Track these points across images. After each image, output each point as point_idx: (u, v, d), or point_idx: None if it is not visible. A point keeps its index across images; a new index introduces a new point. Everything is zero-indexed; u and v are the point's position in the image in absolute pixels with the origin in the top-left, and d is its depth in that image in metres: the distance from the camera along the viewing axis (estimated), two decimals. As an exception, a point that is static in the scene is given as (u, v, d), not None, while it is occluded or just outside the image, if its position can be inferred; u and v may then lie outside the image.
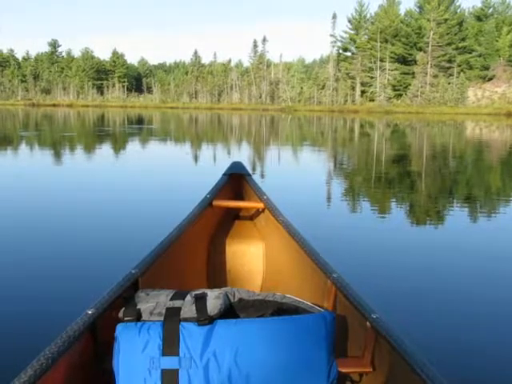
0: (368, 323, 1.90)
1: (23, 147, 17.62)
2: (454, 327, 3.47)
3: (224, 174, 3.30)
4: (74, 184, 9.32)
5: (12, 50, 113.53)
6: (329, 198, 8.49)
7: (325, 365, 1.70)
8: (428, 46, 75.95)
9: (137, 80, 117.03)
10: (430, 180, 11.00)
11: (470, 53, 77.82)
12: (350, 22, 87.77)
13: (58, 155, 14.71)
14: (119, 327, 1.71)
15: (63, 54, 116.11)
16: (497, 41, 76.45)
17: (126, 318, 1.73)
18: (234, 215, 3.35)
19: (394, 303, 3.78)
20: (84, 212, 6.84)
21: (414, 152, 18.39)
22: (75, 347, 1.66)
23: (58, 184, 9.43)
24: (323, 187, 9.63)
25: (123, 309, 1.77)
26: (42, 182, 9.60)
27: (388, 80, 78.27)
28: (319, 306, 1.94)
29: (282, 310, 1.89)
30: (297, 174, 11.63)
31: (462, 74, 74.69)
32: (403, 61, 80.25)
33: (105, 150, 17.50)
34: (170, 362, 1.64)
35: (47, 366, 1.48)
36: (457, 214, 7.40)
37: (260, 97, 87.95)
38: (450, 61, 76.33)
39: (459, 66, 75.58)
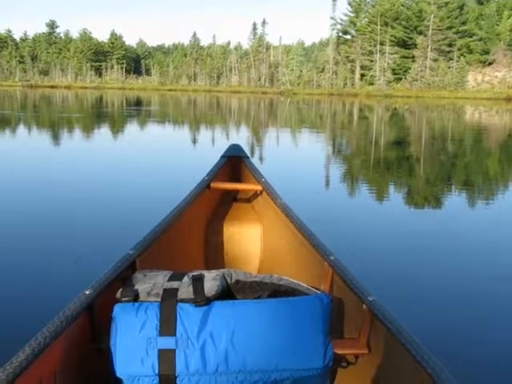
0: (364, 305, 1.91)
1: (22, 129, 17.56)
2: (450, 310, 3.49)
3: (222, 157, 3.30)
4: (72, 165, 9.32)
5: (10, 31, 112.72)
6: (327, 181, 8.50)
7: (321, 346, 1.71)
8: (428, 30, 75.52)
9: (135, 62, 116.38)
10: (428, 164, 11.00)
11: (470, 37, 77.40)
12: (350, 4, 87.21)
13: (57, 137, 14.67)
14: (117, 307, 1.72)
15: (61, 34, 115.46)
16: (497, 25, 76.06)
17: (123, 299, 1.74)
18: (232, 197, 3.35)
19: (391, 286, 3.80)
20: (82, 193, 6.84)
21: (413, 136, 18.38)
22: (73, 327, 1.67)
23: (56, 165, 9.43)
24: (321, 170, 9.63)
25: (121, 289, 1.78)
26: (42, 163, 9.58)
27: (388, 64, 77.92)
28: (316, 288, 1.94)
29: (278, 291, 1.89)
30: (295, 157, 11.61)
31: (462, 58, 74.37)
32: (403, 44, 79.85)
33: (104, 131, 17.46)
34: (167, 342, 1.65)
35: (45, 345, 1.49)
36: (454, 198, 7.42)
37: (259, 80, 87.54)
38: (450, 45, 75.96)
39: (459, 50, 75.21)
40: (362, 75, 79.97)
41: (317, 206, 6.29)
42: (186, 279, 1.82)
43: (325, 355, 1.71)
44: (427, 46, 74.94)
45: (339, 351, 1.88)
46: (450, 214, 6.40)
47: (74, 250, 4.47)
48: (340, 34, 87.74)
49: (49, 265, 4.15)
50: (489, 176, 9.82)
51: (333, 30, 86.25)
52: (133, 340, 1.66)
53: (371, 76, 78.69)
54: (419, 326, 2.64)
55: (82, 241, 4.76)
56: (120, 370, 1.67)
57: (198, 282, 1.78)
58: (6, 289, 3.65)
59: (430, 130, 21.34)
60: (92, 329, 1.86)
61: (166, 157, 10.98)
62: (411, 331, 1.69)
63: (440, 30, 75.55)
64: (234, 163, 3.32)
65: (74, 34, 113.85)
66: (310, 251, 2.44)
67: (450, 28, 76.45)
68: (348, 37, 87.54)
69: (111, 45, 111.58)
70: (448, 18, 76.32)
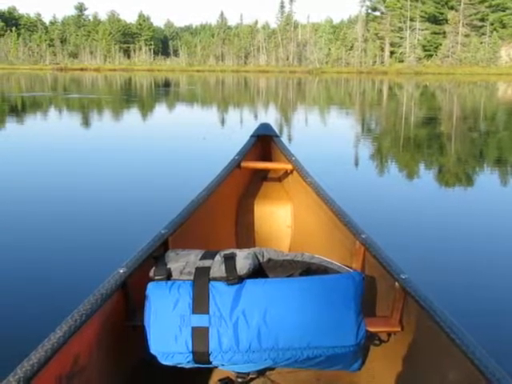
0: (397, 283, 1.90)
1: (57, 112, 17.79)
2: (483, 287, 3.45)
3: (252, 136, 3.29)
4: (105, 145, 9.45)
5: (39, 15, 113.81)
6: (356, 160, 8.43)
7: (353, 324, 1.71)
8: (460, 4, 73.89)
9: (163, 43, 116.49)
10: (460, 143, 10.83)
11: (503, 11, 75.45)
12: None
13: (90, 117, 14.81)
14: (150, 286, 1.74)
15: (90, 17, 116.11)
16: (532, -2, 74.04)
17: (156, 277, 1.76)
18: (262, 176, 3.35)
19: (424, 264, 3.76)
20: (114, 173, 6.92)
21: (443, 114, 18.08)
22: (107, 304, 1.70)
23: (89, 144, 9.54)
24: (351, 149, 9.55)
25: (154, 268, 1.80)
26: (75, 143, 9.69)
27: (418, 40, 76.62)
28: (348, 267, 1.94)
29: (310, 270, 1.89)
30: (325, 136, 11.53)
31: (494, 32, 72.71)
32: (434, 20, 78.33)
33: (134, 113, 17.56)
34: (200, 320, 1.67)
35: (81, 323, 1.52)
36: (487, 176, 7.30)
37: (287, 59, 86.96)
38: (482, 19, 74.28)
39: (492, 24, 73.50)
40: (392, 52, 78.84)
41: (348, 183, 6.25)
42: (217, 258, 1.83)
43: (357, 333, 1.71)
44: (459, 21, 73.40)
45: (372, 329, 1.88)
46: (483, 191, 6.31)
47: (110, 228, 4.54)
48: (369, 11, 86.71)
49: (84, 241, 4.21)
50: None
51: (362, 6, 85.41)
52: (166, 318, 1.68)
53: (401, 53, 77.52)
54: (451, 304, 2.61)
55: (116, 219, 4.82)
56: (154, 347, 1.70)
57: (230, 260, 1.79)
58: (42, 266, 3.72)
59: (461, 107, 20.96)
60: (126, 306, 1.89)
61: (196, 136, 10.99)
62: (444, 309, 1.68)
63: (472, 4, 73.86)
64: (264, 142, 3.31)
65: (102, 16, 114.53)
66: (341, 229, 2.43)
67: (482, 2, 74.68)
68: (377, 13, 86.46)
69: (139, 26, 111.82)
70: (480, -9, 74.59)
